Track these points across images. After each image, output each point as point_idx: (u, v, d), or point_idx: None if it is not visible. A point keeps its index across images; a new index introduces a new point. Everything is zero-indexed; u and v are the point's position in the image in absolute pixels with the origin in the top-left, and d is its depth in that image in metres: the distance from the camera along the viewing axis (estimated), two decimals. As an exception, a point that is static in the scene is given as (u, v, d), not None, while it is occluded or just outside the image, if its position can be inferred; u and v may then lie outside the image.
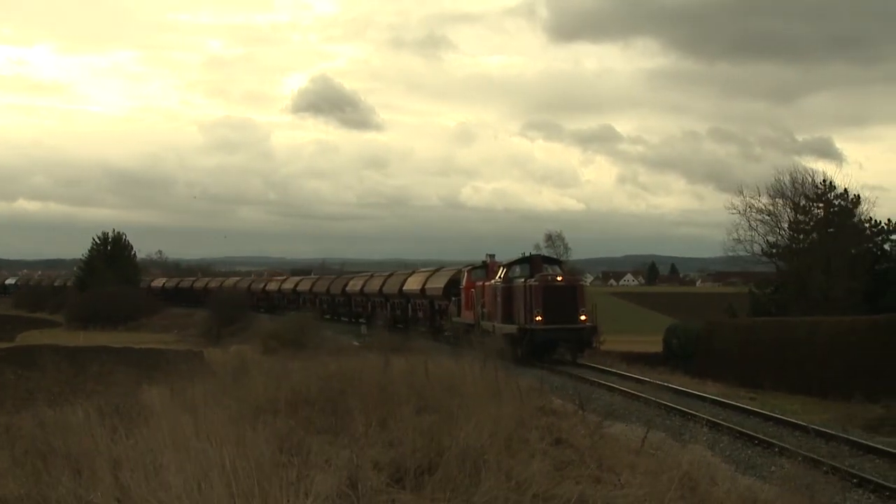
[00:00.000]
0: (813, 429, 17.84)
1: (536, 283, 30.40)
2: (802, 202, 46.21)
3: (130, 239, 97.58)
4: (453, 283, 43.11)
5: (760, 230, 46.64)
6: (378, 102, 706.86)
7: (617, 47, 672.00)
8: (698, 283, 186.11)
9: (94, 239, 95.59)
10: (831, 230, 45.07)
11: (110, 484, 8.52)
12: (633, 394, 22.57)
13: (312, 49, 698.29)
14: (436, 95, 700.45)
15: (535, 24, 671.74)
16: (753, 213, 46.62)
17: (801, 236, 46.50)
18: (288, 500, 7.09)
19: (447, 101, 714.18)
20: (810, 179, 46.56)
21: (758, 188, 47.36)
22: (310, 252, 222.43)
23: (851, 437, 17.09)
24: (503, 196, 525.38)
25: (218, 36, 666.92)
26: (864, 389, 22.33)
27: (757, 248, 46.84)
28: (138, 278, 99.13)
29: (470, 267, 40.06)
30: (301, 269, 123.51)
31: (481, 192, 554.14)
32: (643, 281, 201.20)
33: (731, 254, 48.42)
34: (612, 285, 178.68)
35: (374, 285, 59.29)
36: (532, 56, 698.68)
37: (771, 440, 16.71)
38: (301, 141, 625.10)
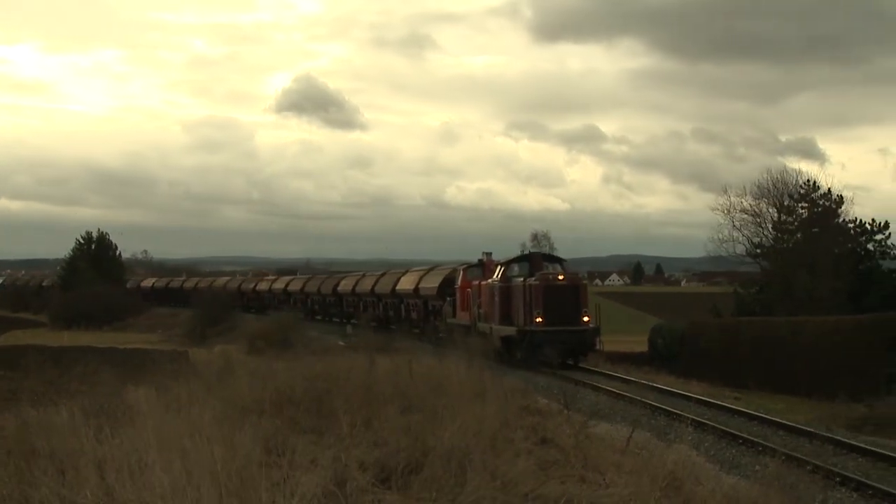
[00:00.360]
0: (797, 428, 17.94)
1: (537, 282, 28.96)
2: (787, 202, 46.41)
3: (114, 239, 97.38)
4: (448, 283, 41.51)
5: (744, 231, 46.85)
6: (362, 102, 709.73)
7: (601, 47, 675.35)
8: (683, 283, 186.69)
9: (77, 239, 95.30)
10: (815, 230, 45.28)
11: (95, 484, 8.49)
12: (619, 393, 22.61)
13: (296, 48, 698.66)
14: (420, 95, 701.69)
15: (519, 23, 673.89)
16: (737, 214, 46.82)
17: (786, 236, 46.71)
18: (274, 500, 7.10)
19: (431, 101, 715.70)
20: (794, 180, 46.81)
21: (743, 188, 47.58)
22: (294, 252, 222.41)
23: (835, 437, 17.19)
24: (488, 196, 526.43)
25: (201, 35, 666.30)
26: (848, 389, 22.44)
27: (741, 249, 47.05)
28: (123, 278, 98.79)
29: (465, 265, 38.65)
30: (286, 269, 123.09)
31: (466, 191, 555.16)
32: (628, 281, 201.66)
33: (714, 254, 48.67)
34: (597, 285, 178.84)
35: (366, 285, 58.01)
36: (516, 56, 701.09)
37: (755, 439, 16.77)
38: (285, 140, 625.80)
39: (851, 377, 23.69)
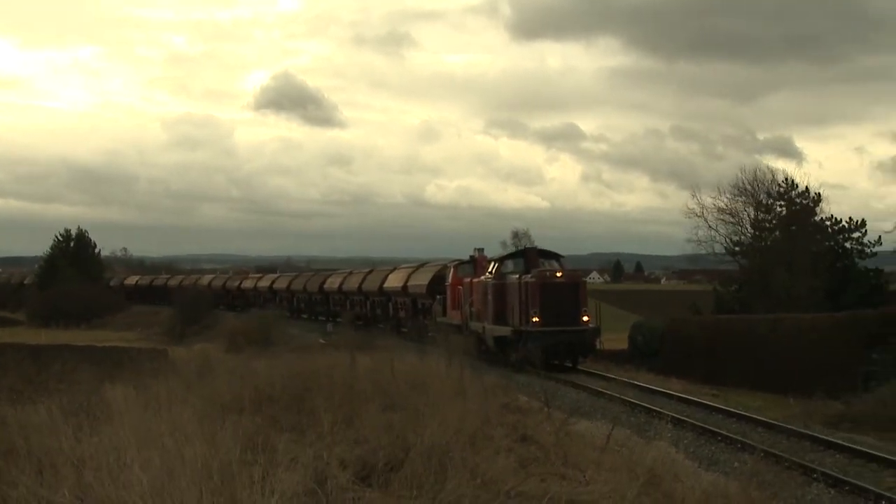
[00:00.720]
0: (775, 425, 18.04)
1: (533, 279, 27.56)
2: (764, 200, 46.61)
3: (93, 236, 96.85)
4: (438, 280, 40.12)
5: (721, 230, 47.02)
6: (341, 100, 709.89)
7: (580, 45, 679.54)
8: (663, 280, 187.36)
9: (56, 236, 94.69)
10: (793, 228, 45.50)
11: (73, 483, 8.44)
12: (599, 391, 22.68)
13: (275, 46, 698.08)
14: (399, 93, 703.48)
15: (498, 22, 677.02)
16: (713, 214, 46.97)
17: (764, 234, 46.93)
18: (254, 499, 7.08)
19: (410, 99, 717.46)
20: (770, 178, 47.02)
21: (717, 188, 47.77)
22: (275, 249, 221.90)
23: (812, 433, 17.31)
24: (467, 194, 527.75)
25: (180, 32, 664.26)
26: (826, 386, 22.57)
27: (718, 248, 47.22)
28: (102, 276, 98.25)
29: (456, 262, 36.99)
30: (266, 267, 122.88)
31: (445, 189, 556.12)
32: (608, 279, 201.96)
33: (692, 254, 48.86)
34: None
35: (353, 283, 56.88)
36: (495, 54, 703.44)
37: (734, 436, 16.87)
38: (264, 138, 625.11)
39: (829, 374, 23.82)
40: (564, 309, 27.09)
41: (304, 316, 65.64)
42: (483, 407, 14.31)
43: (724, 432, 17.36)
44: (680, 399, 21.98)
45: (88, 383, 18.07)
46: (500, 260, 31.36)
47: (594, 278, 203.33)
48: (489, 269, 30.99)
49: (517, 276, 28.79)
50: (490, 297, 29.84)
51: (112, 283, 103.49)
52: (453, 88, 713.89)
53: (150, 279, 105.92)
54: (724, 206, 46.72)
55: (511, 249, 50.76)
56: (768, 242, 46.37)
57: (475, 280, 32.16)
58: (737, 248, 47.05)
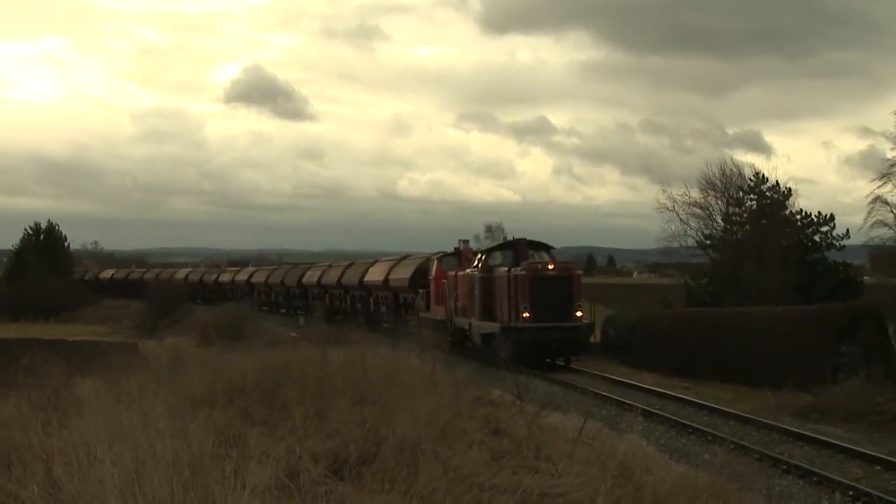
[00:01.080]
0: (745, 417, 18.19)
1: (524, 272, 26.13)
2: (735, 194, 46.90)
3: (63, 229, 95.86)
4: (421, 274, 38.67)
5: (693, 224, 47.28)
6: (312, 93, 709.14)
7: (550, 39, 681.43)
8: (635, 274, 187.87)
9: (25, 229, 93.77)
10: (764, 222, 45.80)
11: (42, 478, 8.38)
12: (571, 384, 22.76)
13: (245, 39, 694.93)
14: (370, 86, 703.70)
15: (468, 15, 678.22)
16: (685, 207, 47.22)
17: (735, 228, 47.20)
18: (226, 492, 7.06)
19: (381, 92, 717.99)
20: (739, 172, 47.33)
21: (685, 184, 48.04)
22: (247, 242, 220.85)
23: (782, 425, 17.48)
24: (439, 187, 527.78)
25: (149, 24, 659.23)
26: (796, 379, 22.75)
27: (690, 242, 47.48)
28: (72, 269, 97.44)
29: (440, 254, 35.89)
30: (238, 260, 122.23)
31: (417, 183, 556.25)
32: (581, 272, 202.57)
33: (664, 247, 49.05)
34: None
35: (333, 276, 55.69)
36: (465, 47, 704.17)
37: (704, 429, 17.02)
38: (235, 131, 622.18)
39: (799, 367, 24.00)
40: (557, 303, 25.80)
41: (283, 310, 64.79)
42: (455, 400, 14.33)
43: (694, 425, 17.52)
44: (651, 392, 22.13)
45: (58, 377, 17.93)
46: (488, 251, 29.95)
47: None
48: (475, 262, 29.68)
49: (506, 268, 27.48)
50: (477, 291, 28.48)
51: (87, 277, 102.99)
52: (424, 82, 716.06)
53: (126, 272, 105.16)
54: (695, 200, 46.99)
55: (486, 243, 50.43)
56: (739, 236, 46.65)
57: (460, 273, 30.87)
58: (708, 242, 47.32)
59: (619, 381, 23.93)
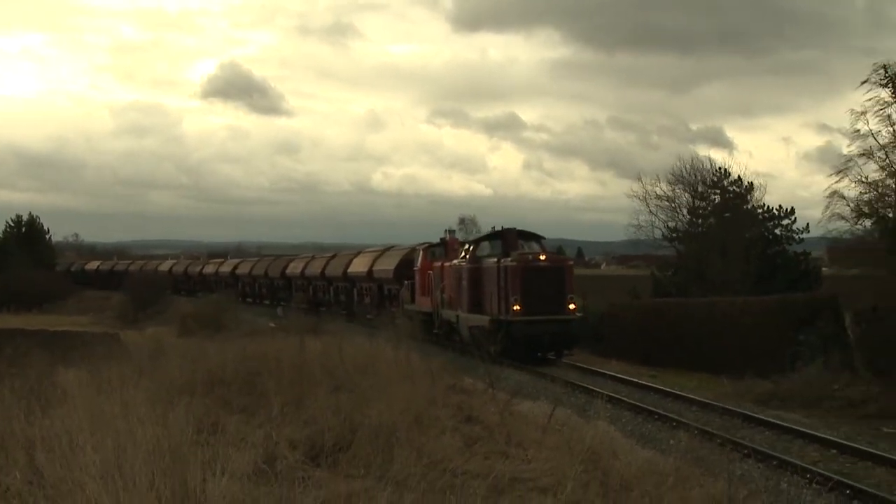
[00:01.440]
0: (708, 403, 18.31)
1: (514, 263, 24.53)
2: (700, 189, 47.16)
3: (44, 222, 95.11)
4: (406, 265, 36.99)
5: (660, 216, 47.51)
6: (288, 89, 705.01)
7: (520, 37, 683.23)
8: (603, 266, 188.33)
9: (7, 222, 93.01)
10: (727, 216, 46.09)
11: (25, 465, 8.33)
12: (541, 373, 22.81)
13: (222, 35, 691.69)
14: (345, 83, 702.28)
15: (439, 13, 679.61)
16: (653, 200, 47.44)
17: (700, 221, 47.47)
18: (205, 478, 7.04)
19: (356, 89, 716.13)
20: (705, 166, 47.61)
21: (657, 176, 48.21)
22: (226, 235, 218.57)
23: (743, 411, 17.60)
24: (413, 181, 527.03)
25: (128, 20, 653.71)
26: (757, 366, 22.92)
27: (657, 234, 47.70)
28: (54, 261, 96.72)
29: (426, 245, 34.18)
30: (218, 252, 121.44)
31: (392, 177, 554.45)
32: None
33: (633, 239, 49.22)
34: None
35: (316, 268, 54.11)
36: (438, 45, 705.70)
37: (669, 415, 17.10)
38: (212, 126, 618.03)
39: (760, 355, 24.18)
40: (549, 296, 24.27)
41: (266, 302, 63.79)
42: (429, 388, 14.35)
43: (660, 411, 17.60)
44: (619, 380, 22.21)
45: (41, 367, 17.78)
46: (476, 242, 28.05)
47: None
48: (463, 252, 28.14)
49: (495, 259, 25.85)
50: (465, 282, 26.91)
51: (73, 269, 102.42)
52: (398, 78, 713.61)
53: (112, 264, 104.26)
54: (664, 193, 47.23)
55: (461, 236, 50.18)
56: (703, 229, 46.93)
57: (447, 264, 29.32)
58: (674, 235, 47.58)
59: (587, 369, 23.99)
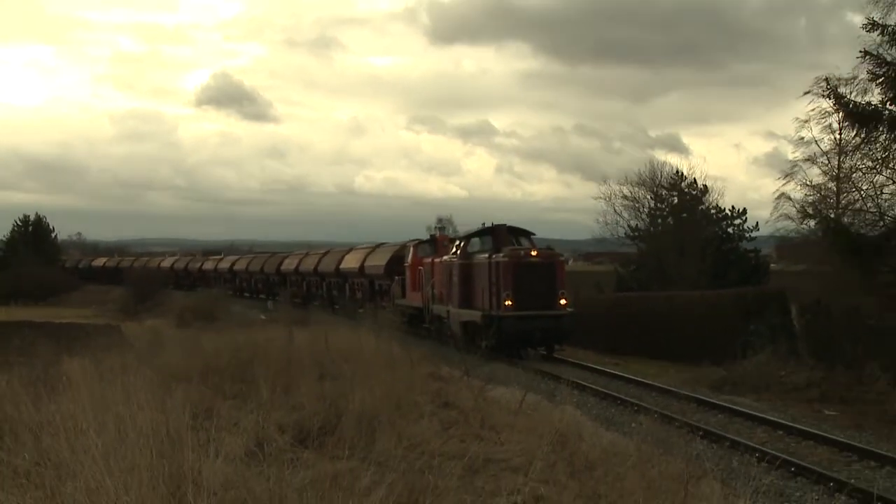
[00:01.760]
0: (667, 389, 18.41)
1: (506, 258, 23.29)
2: (659, 191, 47.41)
3: (49, 221, 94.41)
4: (396, 261, 35.72)
5: (624, 215, 47.74)
6: (276, 97, 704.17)
7: (492, 50, 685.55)
8: (570, 262, 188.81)
9: (15, 221, 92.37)
10: (684, 216, 46.36)
11: (32, 447, 8.29)
12: (513, 361, 22.82)
13: (214, 48, 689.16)
14: (329, 91, 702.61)
15: (417, 28, 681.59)
16: (618, 200, 47.66)
17: (659, 220, 47.72)
18: (200, 460, 7.03)
19: (340, 97, 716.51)
20: (664, 170, 47.89)
21: (626, 177, 48.41)
22: (219, 234, 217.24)
23: (699, 396, 17.72)
24: (394, 184, 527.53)
25: (127, 34, 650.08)
26: (712, 355, 23.07)
27: (621, 232, 47.93)
28: (59, 258, 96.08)
29: (416, 241, 33.00)
30: (212, 250, 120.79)
31: (373, 180, 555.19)
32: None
33: (599, 237, 49.40)
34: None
35: (309, 264, 52.93)
36: (415, 57, 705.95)
37: (632, 400, 17.17)
38: (206, 132, 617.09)
39: (715, 345, 24.33)
40: (540, 291, 23.06)
41: (262, 296, 62.51)
42: (409, 376, 14.35)
43: (623, 397, 17.67)
44: (585, 368, 22.27)
45: (47, 356, 17.64)
46: (466, 238, 26.58)
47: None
48: (453, 249, 26.86)
49: (486, 255, 24.63)
50: (456, 278, 25.56)
51: (81, 265, 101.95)
52: (378, 88, 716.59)
53: (118, 261, 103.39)
54: (628, 194, 47.47)
55: (438, 234, 49.93)
56: (662, 228, 47.18)
57: (437, 260, 28.09)
58: (636, 234, 47.80)
59: (556, 358, 24.03)
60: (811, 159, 30.85)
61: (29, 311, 59.85)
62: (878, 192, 21.91)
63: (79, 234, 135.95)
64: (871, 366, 19.31)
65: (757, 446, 13.07)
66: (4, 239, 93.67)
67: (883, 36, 17.62)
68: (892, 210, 20.85)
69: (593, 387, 18.82)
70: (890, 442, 14.22)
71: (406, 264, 32.53)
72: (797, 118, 31.51)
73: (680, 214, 46.65)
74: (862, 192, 23.48)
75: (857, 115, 18.69)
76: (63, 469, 7.23)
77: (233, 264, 74.32)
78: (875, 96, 18.73)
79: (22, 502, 6.53)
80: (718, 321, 26.52)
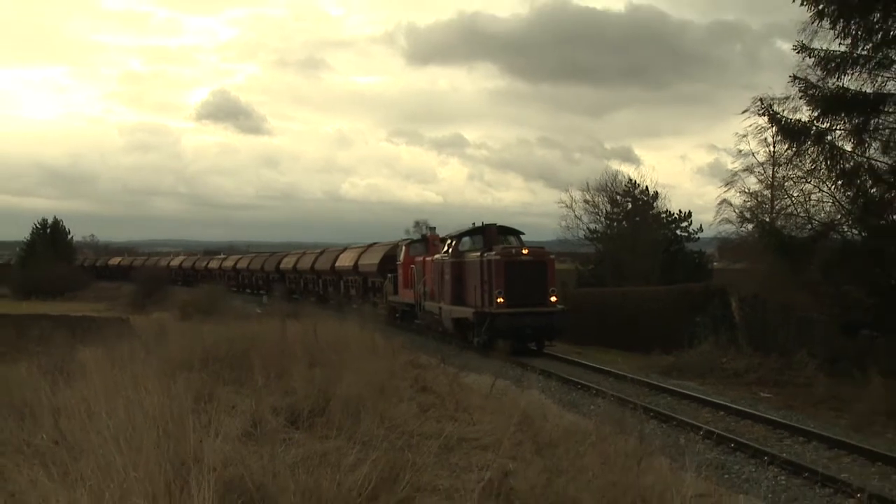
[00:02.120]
0: (623, 375, 18.50)
1: (497, 257, 21.88)
2: (615, 197, 47.67)
3: (65, 224, 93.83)
4: (389, 259, 34.41)
5: (584, 219, 47.95)
6: (269, 112, 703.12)
7: (463, 70, 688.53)
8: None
9: (34, 224, 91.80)
10: (637, 219, 46.64)
11: (50, 428, 8.23)
12: (484, 351, 22.79)
13: (213, 67, 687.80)
14: (317, 107, 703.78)
15: (396, 50, 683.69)
16: (580, 204, 47.89)
17: (615, 223, 47.96)
18: (202, 440, 7.00)
19: (327, 112, 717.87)
20: (619, 178, 48.16)
21: (587, 184, 48.63)
22: (219, 235, 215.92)
23: (651, 381, 17.83)
24: (376, 190, 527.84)
25: (135, 55, 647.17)
26: (662, 344, 23.20)
27: (581, 234, 48.15)
28: (74, 257, 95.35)
29: (408, 240, 31.74)
30: (213, 250, 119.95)
31: (358, 187, 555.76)
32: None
33: (562, 238, 49.59)
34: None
35: (306, 262, 51.37)
36: (395, 76, 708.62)
37: (590, 385, 17.22)
38: (206, 144, 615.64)
39: (664, 335, 24.47)
40: (531, 289, 21.72)
41: (262, 292, 61.37)
42: (391, 363, 14.33)
43: (583, 382, 17.72)
44: (549, 356, 22.29)
45: (63, 346, 17.46)
46: (457, 237, 24.93)
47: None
48: (445, 247, 25.26)
49: (478, 253, 23.21)
50: (447, 276, 24.19)
51: (98, 264, 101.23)
52: (362, 104, 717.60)
53: (131, 260, 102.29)
54: (588, 200, 47.68)
55: (416, 236, 49.64)
56: (618, 230, 47.43)
57: (429, 259, 26.73)
58: (594, 235, 48.02)
59: (523, 348, 24.00)
60: (749, 169, 31.12)
61: (47, 306, 59.28)
62: (807, 199, 22.18)
63: (92, 235, 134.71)
64: (801, 353, 19.53)
65: (701, 425, 13.18)
66: (25, 241, 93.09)
67: (810, 58, 17.87)
68: (819, 215, 21.08)
69: (557, 373, 18.86)
70: (816, 420, 14.41)
71: (398, 262, 31.49)
72: (736, 133, 31.89)
73: (633, 218, 46.94)
74: (793, 199, 23.73)
75: (788, 131, 18.89)
76: (78, 448, 7.18)
77: (235, 263, 73.63)
78: (804, 114, 18.99)
79: (41, 478, 6.48)
80: (667, 314, 26.69)
